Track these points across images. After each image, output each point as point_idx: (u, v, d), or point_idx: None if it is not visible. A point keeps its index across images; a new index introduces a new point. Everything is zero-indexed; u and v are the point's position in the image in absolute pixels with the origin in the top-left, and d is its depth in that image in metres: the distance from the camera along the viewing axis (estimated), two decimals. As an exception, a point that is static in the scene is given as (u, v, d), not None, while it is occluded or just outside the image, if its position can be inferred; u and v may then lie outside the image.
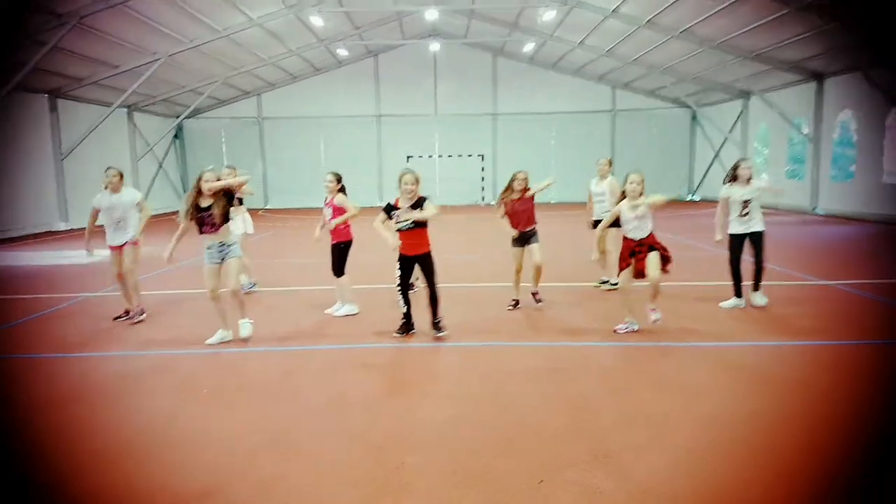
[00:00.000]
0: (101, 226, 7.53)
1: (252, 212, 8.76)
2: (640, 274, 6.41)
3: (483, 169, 29.99)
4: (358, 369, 5.61)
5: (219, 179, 6.44)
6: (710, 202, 27.07)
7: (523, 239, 7.59)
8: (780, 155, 23.56)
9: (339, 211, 7.39)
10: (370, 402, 4.78)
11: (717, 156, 27.79)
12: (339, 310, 7.60)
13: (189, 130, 29.44)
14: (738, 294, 7.59)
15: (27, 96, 18.66)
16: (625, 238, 6.56)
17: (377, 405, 4.73)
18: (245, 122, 29.67)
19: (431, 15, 22.12)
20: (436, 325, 6.50)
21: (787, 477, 3.54)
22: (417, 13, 23.27)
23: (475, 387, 5.10)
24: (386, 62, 29.37)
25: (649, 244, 6.41)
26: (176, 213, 26.45)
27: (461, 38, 27.56)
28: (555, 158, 29.44)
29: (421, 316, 6.71)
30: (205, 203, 6.28)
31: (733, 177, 7.58)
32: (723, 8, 16.87)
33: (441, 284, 6.57)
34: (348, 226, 7.54)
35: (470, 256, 12.07)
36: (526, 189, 7.60)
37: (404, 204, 6.33)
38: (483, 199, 29.74)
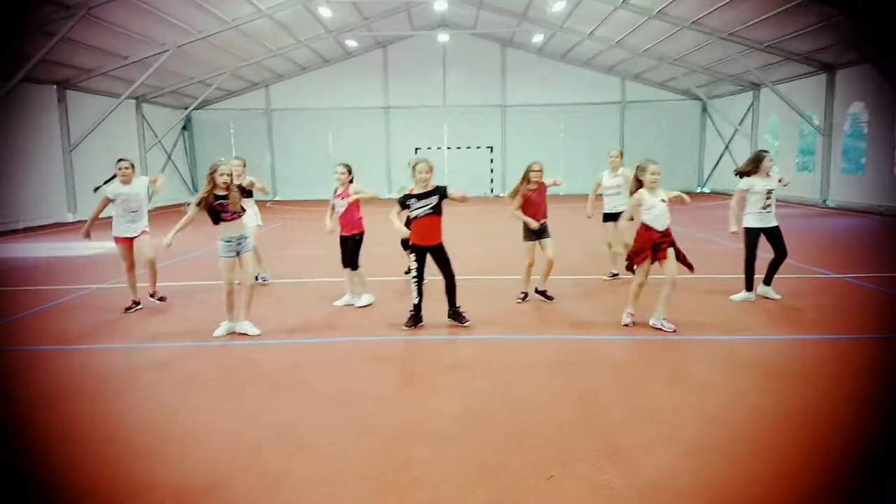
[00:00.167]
0: (102, 217, 7.55)
1: (260, 203, 8.76)
2: (654, 260, 6.28)
3: (492, 161, 29.88)
4: (366, 362, 5.60)
5: (230, 174, 6.41)
6: (719, 194, 26.90)
7: (538, 232, 7.50)
8: (790, 147, 23.37)
9: (353, 204, 7.40)
10: (379, 396, 4.77)
11: (727, 148, 27.58)
12: (360, 300, 7.60)
13: (198, 122, 29.47)
14: (749, 288, 7.53)
15: (35, 87, 18.69)
16: (646, 228, 6.29)
17: (386, 398, 4.72)
18: (253, 113, 29.67)
19: (440, 5, 22.00)
20: (456, 315, 6.57)
21: (792, 475, 3.51)
22: (426, 4, 23.15)
23: (485, 380, 5.08)
24: (395, 53, 29.25)
25: (671, 241, 6.28)
26: (185, 205, 26.61)
27: (470, 28, 27.40)
28: (564, 150, 29.29)
29: (430, 308, 6.69)
30: (220, 193, 6.28)
31: (754, 168, 7.40)
32: (734, -2, 16.71)
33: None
34: (361, 217, 7.54)
35: (478, 248, 12.03)
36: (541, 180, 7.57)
37: (418, 189, 6.38)
38: (492, 191, 29.65)
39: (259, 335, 6.37)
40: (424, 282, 6.55)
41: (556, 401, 4.58)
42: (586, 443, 3.88)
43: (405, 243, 6.54)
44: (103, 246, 7.70)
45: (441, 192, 6.40)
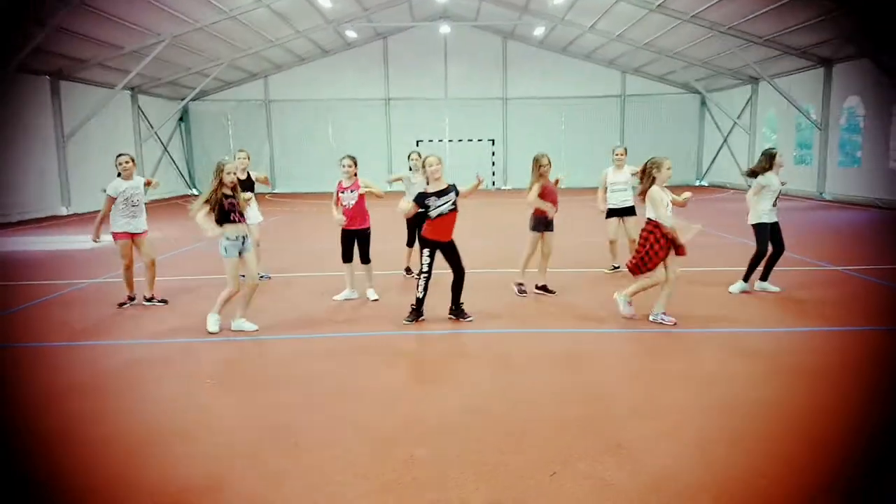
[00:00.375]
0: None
1: (259, 196, 8.67)
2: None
3: (493, 154, 29.77)
4: (366, 358, 5.54)
5: (237, 172, 6.34)
6: (718, 187, 26.91)
7: (546, 224, 7.51)
8: (787, 140, 23.40)
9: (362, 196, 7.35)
10: (379, 393, 4.71)
11: (725, 141, 27.60)
12: (372, 294, 7.57)
13: (195, 113, 29.24)
14: (747, 279, 7.57)
15: (29, 78, 18.41)
16: (656, 226, 6.08)
17: (386, 395, 4.66)
18: (251, 104, 29.47)
19: (441, -4, 21.82)
20: (459, 310, 6.55)
21: (797, 467, 3.48)
22: (426, -5, 22.99)
23: (486, 375, 5.04)
24: (395, 45, 29.06)
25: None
26: (181, 197, 26.49)
27: (471, 20, 27.24)
28: (565, 143, 29.20)
29: (432, 303, 6.63)
30: (227, 192, 6.16)
31: (769, 165, 7.38)
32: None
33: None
34: (367, 211, 7.49)
35: (480, 241, 11.95)
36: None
37: (434, 188, 6.33)
38: (493, 183, 29.55)
39: (256, 331, 6.29)
40: (412, 276, 6.54)
41: (558, 396, 4.54)
42: (589, 439, 3.83)
43: (423, 241, 6.49)
44: (106, 240, 7.55)
45: (455, 188, 6.42)
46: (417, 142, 28.06)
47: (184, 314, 7.05)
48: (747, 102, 25.52)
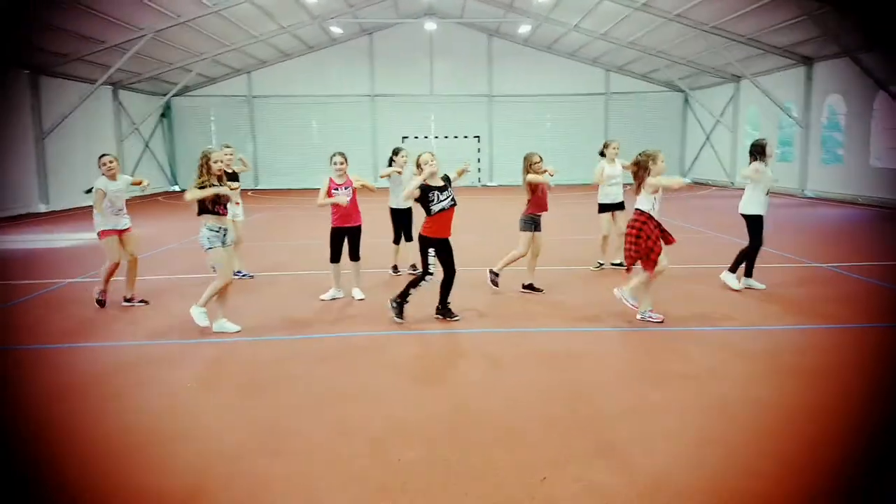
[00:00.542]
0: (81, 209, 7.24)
1: (242, 192, 8.56)
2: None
3: (479, 150, 29.74)
4: (352, 359, 5.47)
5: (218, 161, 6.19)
6: (701, 184, 27.07)
7: (536, 223, 7.50)
8: (770, 138, 23.55)
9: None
10: (366, 394, 4.65)
11: (708, 139, 27.83)
12: (358, 293, 7.48)
13: (177, 109, 28.87)
14: (734, 270, 7.62)
15: (6, 73, 18.00)
16: (652, 219, 6.08)
17: (373, 397, 4.60)
18: (235, 100, 29.16)
19: (426, -7, 21.72)
20: (447, 310, 6.50)
21: (794, 466, 3.48)
22: (411, -9, 22.87)
23: (476, 376, 5.00)
24: (381, 41, 28.91)
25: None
26: (164, 194, 26.15)
27: (457, 17, 27.18)
28: (550, 141, 29.24)
29: (418, 302, 6.58)
30: (213, 181, 6.03)
31: (762, 155, 7.36)
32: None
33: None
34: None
35: (467, 237, 11.91)
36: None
37: (434, 183, 6.26)
38: (479, 180, 29.53)
39: (239, 331, 6.18)
40: (399, 273, 6.44)
41: (549, 397, 4.50)
42: (580, 440, 3.81)
43: (425, 241, 6.38)
44: (77, 238, 7.40)
45: (448, 179, 6.41)
46: (403, 138, 27.93)
47: (165, 315, 6.92)
48: (730, 100, 25.73)
